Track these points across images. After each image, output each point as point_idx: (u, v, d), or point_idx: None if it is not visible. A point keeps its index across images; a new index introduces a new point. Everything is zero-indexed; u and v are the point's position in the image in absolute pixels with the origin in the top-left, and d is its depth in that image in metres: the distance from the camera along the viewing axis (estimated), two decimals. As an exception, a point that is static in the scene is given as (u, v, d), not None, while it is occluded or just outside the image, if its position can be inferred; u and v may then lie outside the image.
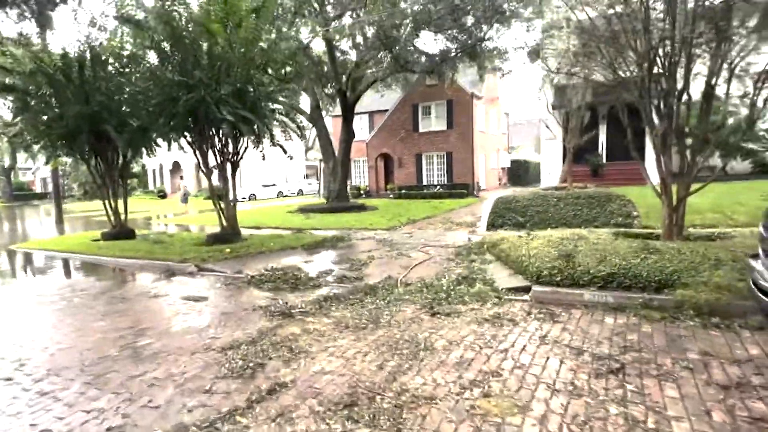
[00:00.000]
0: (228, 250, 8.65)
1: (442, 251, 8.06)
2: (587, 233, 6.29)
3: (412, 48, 14.39)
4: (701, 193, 6.19)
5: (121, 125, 10.67)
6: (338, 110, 21.92)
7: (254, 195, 30.35)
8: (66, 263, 9.59)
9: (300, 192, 35.67)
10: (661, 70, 5.61)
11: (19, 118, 10.27)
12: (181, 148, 10.54)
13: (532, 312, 4.40)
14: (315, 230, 12.03)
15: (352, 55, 17.54)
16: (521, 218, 10.31)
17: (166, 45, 8.27)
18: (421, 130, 24.56)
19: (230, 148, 9.62)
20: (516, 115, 39.91)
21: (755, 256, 3.32)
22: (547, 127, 15.90)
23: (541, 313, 4.32)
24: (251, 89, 8.83)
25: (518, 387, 2.84)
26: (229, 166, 9.74)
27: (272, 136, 9.82)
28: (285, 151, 10.64)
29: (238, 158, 9.84)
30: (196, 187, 34.15)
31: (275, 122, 9.63)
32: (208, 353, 3.78)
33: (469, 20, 14.74)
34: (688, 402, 2.56)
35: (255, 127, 8.98)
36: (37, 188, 51.51)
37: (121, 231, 11.85)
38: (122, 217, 12.05)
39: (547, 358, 3.29)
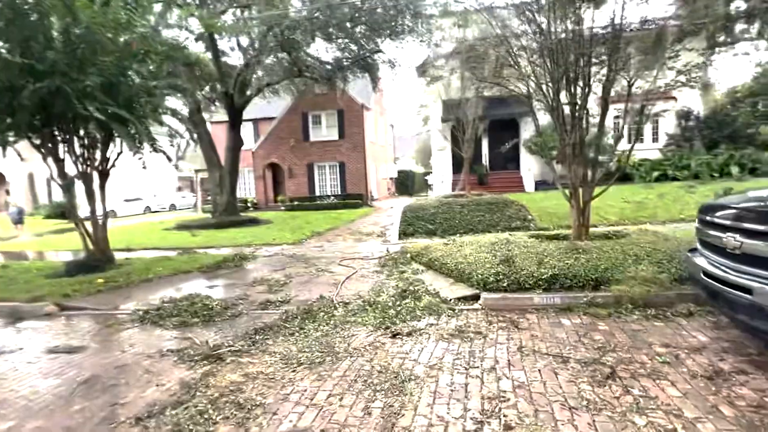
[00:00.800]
0: (101, 280, 6.88)
1: (364, 264, 7.63)
2: (512, 237, 6.52)
3: (308, 54, 13.77)
4: (554, 197, 6.88)
5: None
6: (218, 116, 20.04)
7: (114, 212, 25.72)
8: None
9: (173, 207, 31.60)
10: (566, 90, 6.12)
11: None
12: (19, 154, 8.17)
13: (491, 321, 4.24)
14: (206, 249, 10.52)
15: (235, 57, 16.16)
16: (431, 226, 10.48)
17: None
18: (312, 139, 23.85)
19: (98, 154, 7.78)
20: (398, 128, 41.79)
21: (693, 251, 3.64)
22: (444, 138, 16.73)
23: (501, 322, 4.20)
24: (128, 82, 7.26)
25: (534, 410, 2.56)
26: (96, 175, 7.86)
27: (153, 141, 8.24)
28: (170, 159, 9.11)
29: (108, 166, 8.01)
30: (30, 204, 27.77)
31: (161, 124, 8.11)
32: (116, 431, 2.71)
33: (363, 31, 14.75)
34: (693, 399, 2.58)
35: (133, 129, 7.40)
36: None
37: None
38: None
39: (539, 370, 3.10)
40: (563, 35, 5.68)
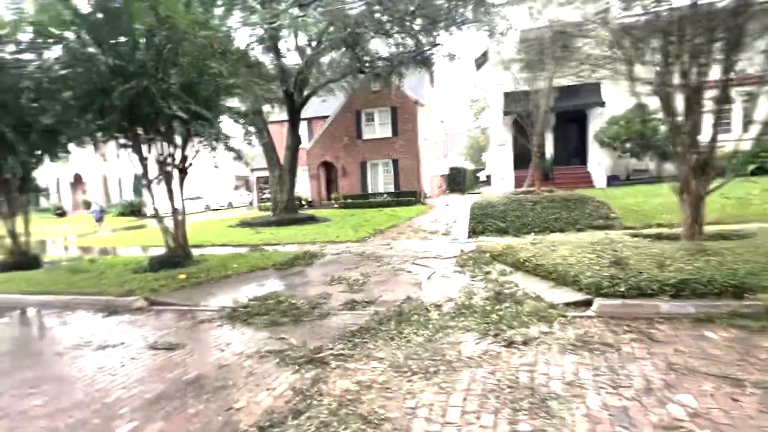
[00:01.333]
0: (183, 275, 7.02)
1: (440, 263, 7.29)
2: (614, 237, 5.92)
3: (368, 50, 13.59)
4: (633, 194, 6.06)
5: (21, 125, 8.42)
6: (274, 116, 20.39)
7: (158, 210, 27.15)
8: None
9: (230, 205, 32.84)
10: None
11: None
12: (103, 154, 8.55)
13: (616, 331, 3.76)
14: (272, 246, 10.61)
15: (293, 57, 16.29)
16: (501, 224, 9.95)
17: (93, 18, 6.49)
18: (365, 137, 23.80)
19: (178, 152, 7.96)
20: (447, 124, 40.87)
21: None
22: (506, 132, 16.04)
23: (629, 332, 3.70)
24: (207, 81, 7.34)
25: (732, 448, 2.11)
26: (176, 174, 8.06)
27: (227, 138, 8.34)
28: (241, 157, 9.21)
29: (187, 164, 8.19)
30: (104, 203, 29.84)
31: (237, 122, 8.19)
32: (240, 440, 2.55)
33: (422, 24, 14.36)
34: None
35: (211, 126, 7.49)
36: None
37: (23, 259, 9.39)
38: (22, 241, 9.57)
39: (710, 394, 2.62)
40: (685, 6, 5.01)
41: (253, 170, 33.62)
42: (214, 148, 8.10)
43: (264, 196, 30.69)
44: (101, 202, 18.84)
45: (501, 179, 17.16)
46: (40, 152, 9.10)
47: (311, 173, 25.21)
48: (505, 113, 16.07)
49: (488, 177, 38.92)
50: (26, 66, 8.64)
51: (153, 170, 8.11)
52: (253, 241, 11.58)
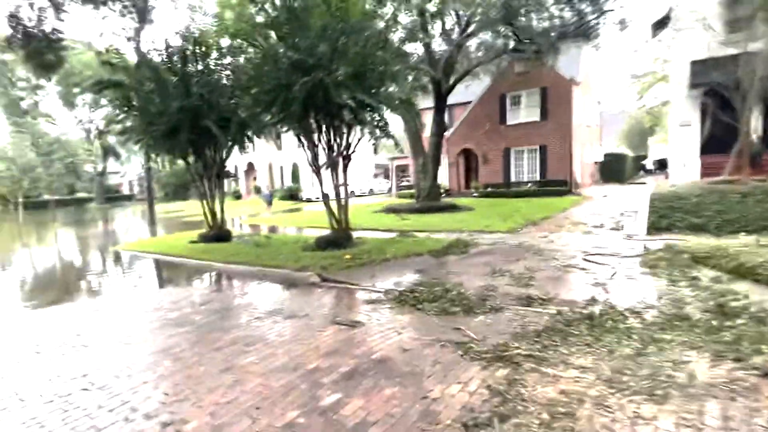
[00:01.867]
0: (348, 256, 7.46)
1: (620, 262, 6.30)
2: None
3: (527, 24, 12.54)
4: None
5: (221, 120, 9.99)
6: (420, 103, 20.51)
7: (327, 195, 29.79)
8: (172, 268, 8.98)
9: (370, 192, 34.75)
10: None
11: (123, 116, 9.87)
12: (278, 145, 9.59)
13: None
14: (420, 232, 10.68)
15: (437, 44, 16.03)
16: (696, 219, 8.21)
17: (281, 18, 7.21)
18: (509, 122, 22.46)
19: (343, 140, 8.47)
20: (602, 105, 35.92)
21: None
22: (691, 110, 13.33)
23: None
24: (372, 69, 7.57)
25: None
26: (341, 160, 8.60)
27: (386, 125, 8.55)
28: (397, 144, 9.39)
29: (351, 151, 8.66)
30: (271, 188, 34.38)
31: (395, 110, 8.34)
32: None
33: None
34: None
35: (376, 113, 7.73)
36: (125, 190, 55.38)
37: (219, 233, 11.24)
38: (218, 218, 11.44)
39: None
40: None
41: (392, 159, 34.92)
42: (374, 136, 8.38)
43: (402, 184, 31.62)
44: (269, 188, 21.69)
45: (683, 166, 14.29)
46: (234, 143, 10.69)
47: (450, 161, 24.92)
48: (693, 85, 13.23)
49: (660, 164, 33.42)
50: (225, 69, 10.20)
51: (321, 158, 8.80)
52: (400, 227, 11.86)
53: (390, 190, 34.39)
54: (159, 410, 2.90)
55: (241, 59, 8.79)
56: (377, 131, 8.22)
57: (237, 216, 21.24)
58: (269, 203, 20.56)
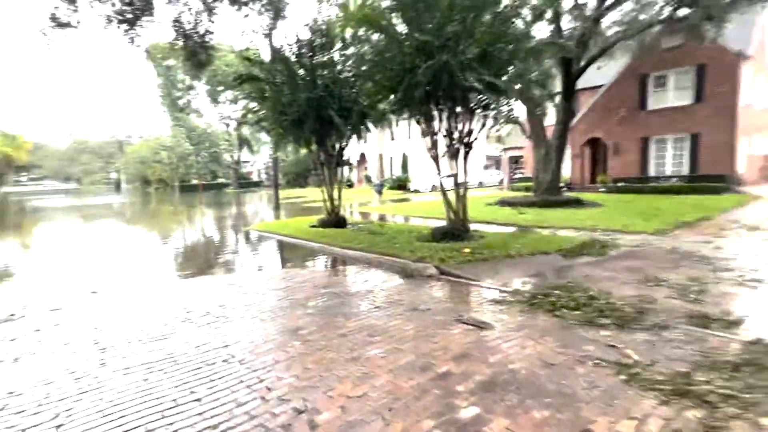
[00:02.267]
0: (467, 249, 7.03)
1: (833, 281, 4.80)
2: None
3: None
4: None
5: (341, 110, 10.26)
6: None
7: (435, 186, 29.48)
8: (295, 249, 9.55)
9: (480, 184, 33.47)
10: None
11: (257, 107, 10.75)
12: (392, 133, 9.45)
13: None
14: (543, 228, 9.72)
15: (567, 19, 14.31)
16: None
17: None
18: (650, 107, 19.43)
19: (465, 126, 7.99)
20: None
21: None
22: None
23: None
24: (501, 48, 6.93)
25: None
26: (462, 148, 8.15)
27: (511, 109, 7.83)
28: (524, 131, 8.56)
29: (473, 139, 8.15)
30: (381, 178, 35.28)
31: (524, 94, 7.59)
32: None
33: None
34: None
35: (503, 96, 7.10)
36: (254, 177, 62.20)
37: (336, 219, 11.67)
38: (336, 205, 11.88)
39: None
40: None
41: (504, 149, 33.10)
42: (499, 122, 7.74)
43: (515, 176, 29.78)
44: (380, 178, 22.13)
45: None
46: (351, 132, 10.93)
47: (574, 152, 22.57)
48: None
49: None
50: (348, 59, 10.41)
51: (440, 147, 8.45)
52: (519, 222, 11.00)
53: (501, 182, 32.70)
54: (291, 394, 2.88)
55: (365, 47, 8.82)
56: (502, 117, 7.56)
57: (350, 203, 22.17)
58: (380, 192, 20.95)
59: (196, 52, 10.35)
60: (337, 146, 11.39)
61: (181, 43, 10.43)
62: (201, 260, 8.90)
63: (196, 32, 10.07)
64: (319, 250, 9.06)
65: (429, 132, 8.15)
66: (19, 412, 2.78)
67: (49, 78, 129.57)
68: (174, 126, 28.05)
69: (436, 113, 8.03)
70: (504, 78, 7.28)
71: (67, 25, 9.41)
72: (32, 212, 24.98)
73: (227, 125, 46.19)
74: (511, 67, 7.33)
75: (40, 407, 2.84)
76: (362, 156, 39.18)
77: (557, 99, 14.55)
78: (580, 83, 22.47)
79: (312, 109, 10.05)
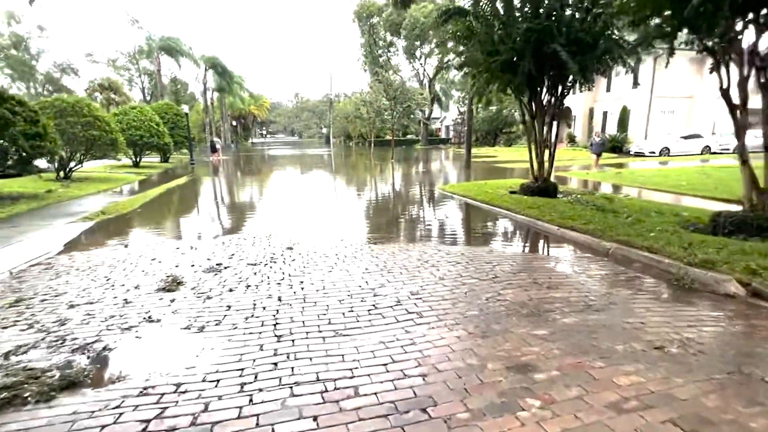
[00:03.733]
0: (799, 259, 4.21)
1: None
2: None
3: None
4: None
5: (569, 44, 7.82)
6: None
7: (667, 149, 22.92)
8: (492, 218, 7.99)
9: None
10: None
11: (462, 48, 9.18)
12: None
13: None
14: None
15: None
16: None
17: None
18: None
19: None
20: None
21: None
22: None
23: None
24: None
25: None
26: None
27: None
28: None
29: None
30: (599, 135, 29.84)
31: None
32: None
33: None
34: None
35: None
36: (442, 135, 62.09)
37: (544, 185, 9.52)
38: (545, 168, 9.66)
39: None
40: None
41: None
42: None
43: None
44: (600, 136, 17.96)
45: None
46: (580, 74, 8.38)
47: None
48: None
49: None
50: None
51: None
52: None
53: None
54: None
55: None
56: None
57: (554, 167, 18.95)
58: (599, 154, 17.09)
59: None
60: (556, 94, 9.02)
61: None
62: (392, 224, 8.23)
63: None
64: (525, 224, 7.28)
65: (739, 59, 5.16)
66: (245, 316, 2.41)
67: (281, 43, 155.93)
68: (373, 81, 29.14)
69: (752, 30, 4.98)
70: None
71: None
72: (267, 159, 30.06)
73: (420, 82, 46.30)
74: None
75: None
76: (566, 111, 33.77)
77: None
78: None
79: (530, 45, 7.97)
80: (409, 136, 53.73)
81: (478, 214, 8.57)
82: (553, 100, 9.22)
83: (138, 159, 21.10)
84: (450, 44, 10.15)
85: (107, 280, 4.52)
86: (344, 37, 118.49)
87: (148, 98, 49.52)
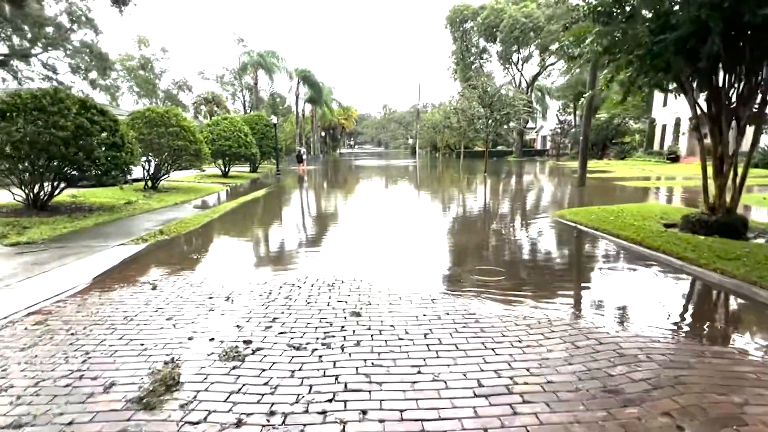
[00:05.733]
0: None
1: None
2: None
3: None
4: None
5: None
6: None
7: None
8: (644, 264, 5.33)
9: None
10: None
11: (606, 28, 6.63)
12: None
13: None
14: None
15: None
16: None
17: None
18: None
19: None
20: None
21: None
22: None
23: None
24: None
25: None
26: None
27: None
28: None
29: None
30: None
31: None
32: None
33: None
34: None
35: None
36: (538, 146, 57.09)
37: (725, 220, 6.55)
38: (729, 195, 6.68)
39: None
40: None
41: None
42: None
43: None
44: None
45: None
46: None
47: None
48: None
49: None
50: None
51: None
52: None
53: None
54: None
55: None
56: None
57: (679, 187, 14.90)
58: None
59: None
60: (753, 84, 6.11)
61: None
62: (506, 274, 5.99)
63: None
64: (728, 287, 4.57)
65: None
66: None
67: (371, 56, 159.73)
68: (466, 87, 26.81)
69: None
70: None
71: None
72: (352, 170, 29.28)
73: (517, 86, 42.73)
74: None
75: None
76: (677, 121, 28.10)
77: None
78: None
79: (718, 22, 5.31)
80: (499, 147, 50.05)
81: (630, 259, 5.92)
82: (748, 93, 6.29)
83: (227, 168, 21.31)
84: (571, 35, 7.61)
85: (83, 361, 3.04)
86: (433, 49, 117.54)
87: (248, 110, 52.78)
